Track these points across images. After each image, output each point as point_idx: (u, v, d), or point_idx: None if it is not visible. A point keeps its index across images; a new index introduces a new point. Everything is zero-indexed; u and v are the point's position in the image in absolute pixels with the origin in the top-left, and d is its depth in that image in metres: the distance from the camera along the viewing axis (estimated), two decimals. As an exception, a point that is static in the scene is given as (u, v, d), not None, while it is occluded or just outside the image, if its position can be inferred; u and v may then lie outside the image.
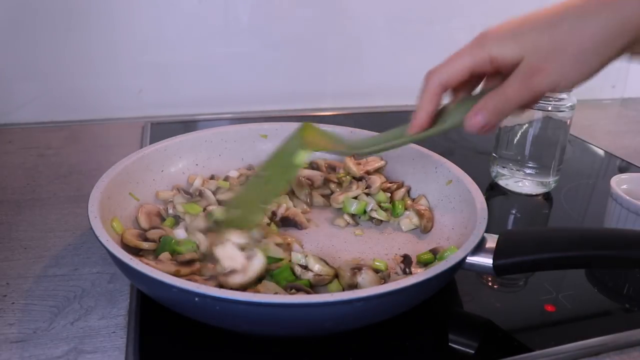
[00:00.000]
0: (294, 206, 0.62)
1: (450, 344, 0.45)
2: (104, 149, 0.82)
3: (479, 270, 0.46)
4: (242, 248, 0.48)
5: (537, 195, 0.72)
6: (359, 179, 0.64)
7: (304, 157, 0.50)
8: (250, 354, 0.43)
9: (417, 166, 0.66)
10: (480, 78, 0.44)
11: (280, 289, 0.46)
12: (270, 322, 0.40)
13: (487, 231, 0.48)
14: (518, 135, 0.70)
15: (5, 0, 0.83)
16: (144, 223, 0.55)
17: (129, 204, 0.57)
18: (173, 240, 0.51)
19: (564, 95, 0.67)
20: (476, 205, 0.53)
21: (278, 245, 0.52)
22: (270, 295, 0.41)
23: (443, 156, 0.64)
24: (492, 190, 0.73)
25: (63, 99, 0.92)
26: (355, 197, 0.61)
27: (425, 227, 0.58)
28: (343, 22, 1.00)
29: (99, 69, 0.91)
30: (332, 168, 0.68)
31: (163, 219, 0.58)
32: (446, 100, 0.45)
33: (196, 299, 0.38)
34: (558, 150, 0.70)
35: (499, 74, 0.41)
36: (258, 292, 0.45)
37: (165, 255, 0.49)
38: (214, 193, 0.62)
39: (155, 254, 0.51)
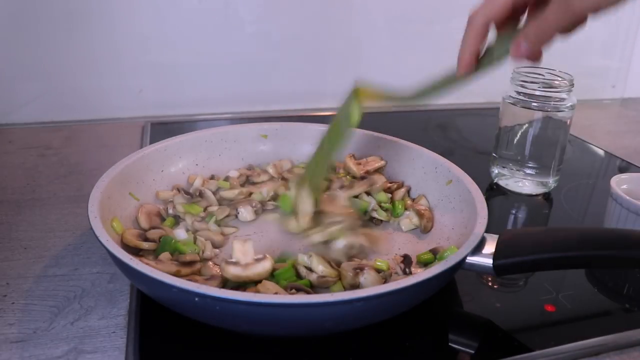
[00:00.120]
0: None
1: (450, 344, 0.45)
2: (104, 149, 0.82)
3: (479, 270, 0.46)
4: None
5: (537, 195, 0.72)
6: (362, 178, 0.64)
7: (358, 110, 0.52)
8: (250, 354, 0.43)
9: (417, 166, 0.66)
10: (522, 11, 0.44)
11: (280, 289, 0.46)
12: (270, 322, 0.40)
13: (487, 231, 0.48)
14: (518, 135, 0.70)
15: (6, 0, 0.83)
16: (144, 223, 0.55)
17: (129, 204, 0.57)
18: (173, 240, 0.51)
19: (564, 95, 0.67)
20: (476, 205, 0.53)
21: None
22: (270, 295, 0.41)
23: (443, 156, 0.64)
24: (492, 190, 0.73)
25: (63, 99, 0.92)
26: (357, 197, 0.61)
27: (425, 227, 0.58)
28: (343, 22, 1.00)
29: (99, 69, 0.91)
30: (332, 168, 0.68)
31: (163, 219, 0.58)
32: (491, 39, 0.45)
33: (196, 299, 0.38)
34: (558, 150, 0.70)
35: (541, 3, 0.41)
36: (258, 292, 0.45)
37: (165, 255, 0.49)
38: (214, 193, 0.62)
39: (155, 254, 0.51)
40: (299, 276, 0.49)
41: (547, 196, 0.72)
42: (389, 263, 0.52)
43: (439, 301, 0.48)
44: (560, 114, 0.68)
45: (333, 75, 1.04)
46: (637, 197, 0.57)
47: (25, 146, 0.81)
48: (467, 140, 0.91)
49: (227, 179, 0.65)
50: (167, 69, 0.94)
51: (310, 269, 0.49)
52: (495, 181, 0.74)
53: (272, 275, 0.48)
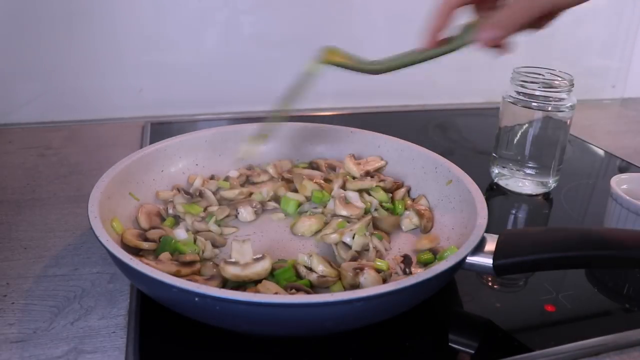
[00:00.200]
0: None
1: (450, 344, 0.45)
2: (104, 149, 0.82)
3: (479, 270, 0.46)
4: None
5: (537, 195, 0.72)
6: (372, 176, 0.65)
7: (318, 66, 0.57)
8: (250, 354, 0.43)
9: (417, 166, 0.66)
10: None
11: (280, 289, 0.46)
12: (270, 322, 0.40)
13: (487, 231, 0.48)
14: (518, 135, 0.70)
15: (6, 0, 0.83)
16: (144, 223, 0.55)
17: (129, 204, 0.57)
18: (173, 240, 0.51)
19: (564, 95, 0.67)
20: (476, 205, 0.53)
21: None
22: (270, 295, 0.41)
23: (443, 156, 0.64)
24: (492, 190, 0.73)
25: (63, 99, 0.92)
26: (361, 195, 0.62)
27: (425, 227, 0.58)
28: (343, 22, 1.00)
29: (100, 69, 0.91)
30: (332, 168, 0.68)
31: (163, 219, 0.58)
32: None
33: (196, 299, 0.38)
34: (558, 150, 0.70)
35: None
36: (258, 292, 0.45)
37: (165, 255, 0.49)
38: (214, 193, 0.62)
39: (155, 254, 0.51)
40: (299, 276, 0.49)
41: (547, 196, 0.72)
42: (389, 263, 0.52)
43: (439, 301, 0.48)
44: (560, 114, 0.68)
45: (333, 75, 1.03)
46: (637, 197, 0.57)
47: (25, 146, 0.81)
48: (467, 140, 0.91)
49: (227, 179, 0.65)
50: (167, 69, 0.94)
51: (310, 269, 0.49)
52: (495, 181, 0.74)
53: (272, 275, 0.48)
